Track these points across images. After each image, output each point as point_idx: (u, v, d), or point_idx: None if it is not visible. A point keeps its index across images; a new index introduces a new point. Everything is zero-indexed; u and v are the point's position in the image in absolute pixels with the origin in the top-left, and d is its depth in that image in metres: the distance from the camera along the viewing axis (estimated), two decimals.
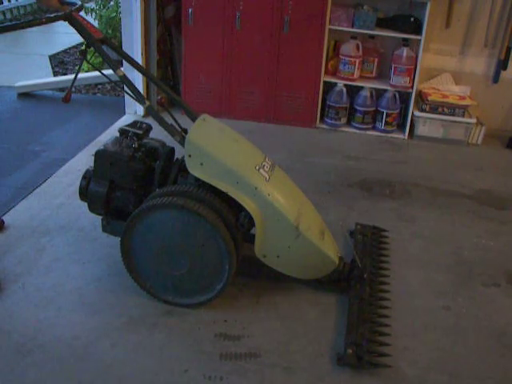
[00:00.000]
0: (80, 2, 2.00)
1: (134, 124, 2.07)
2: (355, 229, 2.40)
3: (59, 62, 5.26)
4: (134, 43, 3.54)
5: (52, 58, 5.31)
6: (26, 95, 4.19)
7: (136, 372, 1.65)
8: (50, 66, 5.08)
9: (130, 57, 2.02)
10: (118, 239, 1.88)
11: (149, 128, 2.08)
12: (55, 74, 4.92)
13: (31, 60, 5.29)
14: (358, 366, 1.69)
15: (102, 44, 2.01)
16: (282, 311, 1.96)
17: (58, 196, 2.62)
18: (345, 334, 1.80)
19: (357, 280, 2.01)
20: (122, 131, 2.03)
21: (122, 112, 3.74)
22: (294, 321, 1.91)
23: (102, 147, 1.97)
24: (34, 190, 2.68)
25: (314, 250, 1.92)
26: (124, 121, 3.62)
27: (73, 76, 2.03)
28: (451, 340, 1.87)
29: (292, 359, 1.73)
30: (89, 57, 1.99)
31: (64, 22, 1.98)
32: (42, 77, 4.54)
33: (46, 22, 1.95)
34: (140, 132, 2.02)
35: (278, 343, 1.80)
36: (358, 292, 1.97)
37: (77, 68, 1.85)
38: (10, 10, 6.95)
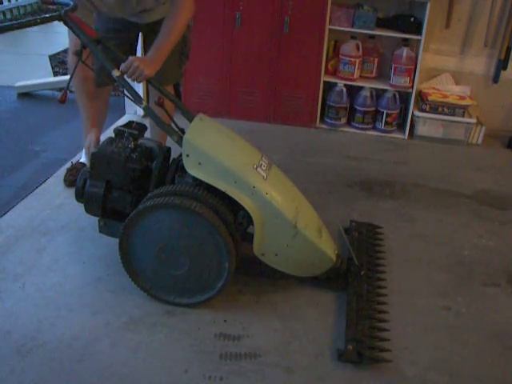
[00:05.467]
0: (73, 3, 2.01)
1: (129, 124, 2.07)
2: (350, 226, 2.41)
3: (59, 62, 5.25)
4: None
5: (52, 57, 5.31)
6: (26, 95, 4.19)
7: (136, 372, 1.65)
8: (49, 66, 5.07)
9: (126, 57, 2.02)
10: (117, 239, 1.88)
11: (144, 128, 2.09)
12: (55, 74, 4.91)
13: (31, 60, 5.29)
14: (359, 361, 1.70)
15: (97, 44, 2.01)
16: (281, 311, 1.96)
17: (58, 196, 2.62)
18: (345, 331, 1.80)
19: (354, 277, 2.02)
20: (118, 132, 2.03)
21: (122, 112, 3.74)
22: (294, 321, 1.91)
23: (98, 148, 1.97)
24: (34, 190, 2.68)
25: (311, 247, 1.92)
26: (124, 121, 3.62)
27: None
28: (451, 340, 1.87)
29: (292, 359, 1.74)
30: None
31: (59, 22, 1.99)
32: (42, 77, 4.54)
33: (41, 23, 1.96)
34: (136, 132, 2.02)
35: (278, 343, 1.80)
36: (356, 289, 1.98)
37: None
38: (10, 9, 6.96)
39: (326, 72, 3.72)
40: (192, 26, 2.56)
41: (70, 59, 2.14)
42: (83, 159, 2.78)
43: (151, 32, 2.22)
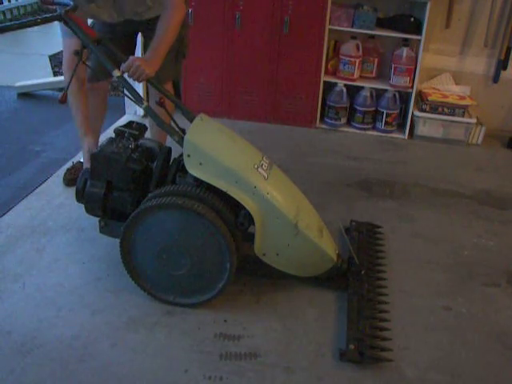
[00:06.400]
0: (73, 3, 2.01)
1: (129, 124, 2.07)
2: (350, 226, 2.41)
3: (59, 62, 5.25)
4: None
5: (52, 57, 5.31)
6: (26, 95, 4.19)
7: (136, 372, 1.65)
8: (49, 66, 5.08)
9: (126, 57, 2.02)
10: (118, 240, 1.88)
11: (144, 128, 2.09)
12: (55, 74, 4.91)
13: (31, 60, 5.29)
14: (361, 361, 1.70)
15: (97, 44, 2.01)
16: (281, 311, 1.95)
17: (58, 196, 2.62)
18: (346, 330, 1.80)
19: (355, 276, 2.02)
20: (119, 132, 2.03)
21: (122, 112, 3.74)
22: (294, 321, 1.91)
23: (98, 148, 1.97)
24: (34, 190, 2.68)
25: (312, 247, 1.92)
26: (124, 121, 3.62)
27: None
28: (451, 340, 1.87)
29: (292, 359, 1.73)
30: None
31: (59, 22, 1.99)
32: (42, 77, 4.54)
33: (41, 23, 1.97)
34: (136, 132, 2.02)
35: (278, 343, 1.80)
36: (357, 288, 1.99)
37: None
38: (10, 10, 6.96)
39: (326, 72, 3.72)
40: (190, 25, 2.56)
41: (68, 62, 2.14)
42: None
43: (149, 30, 2.23)
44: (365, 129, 3.76)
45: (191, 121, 2.01)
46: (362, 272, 2.04)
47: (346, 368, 1.70)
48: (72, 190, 2.64)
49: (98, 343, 1.74)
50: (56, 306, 1.90)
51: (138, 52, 2.99)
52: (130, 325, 1.83)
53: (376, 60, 3.72)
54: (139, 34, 2.58)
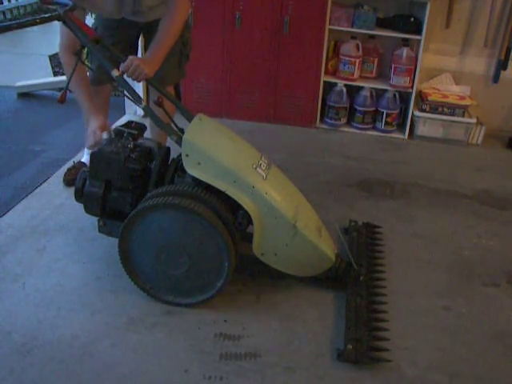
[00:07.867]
0: (72, 3, 2.01)
1: (128, 124, 2.07)
2: (349, 226, 2.41)
3: (59, 62, 5.24)
4: None
5: (52, 57, 5.31)
6: (26, 95, 4.19)
7: (136, 372, 1.65)
8: (49, 66, 5.08)
9: (126, 57, 2.03)
10: (117, 239, 1.88)
11: (143, 128, 2.09)
12: (55, 74, 4.91)
13: (31, 60, 5.29)
14: (358, 361, 1.70)
15: (96, 44, 2.01)
16: (281, 311, 1.95)
17: (58, 196, 2.62)
18: (344, 330, 1.80)
19: (354, 277, 2.03)
20: (117, 132, 2.02)
21: (122, 112, 3.74)
22: (294, 320, 1.91)
23: (97, 148, 1.97)
24: (34, 190, 2.68)
25: (311, 247, 1.92)
26: (124, 121, 3.61)
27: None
28: (451, 340, 1.87)
29: (292, 359, 1.73)
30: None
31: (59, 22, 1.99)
32: (42, 77, 4.54)
33: (40, 23, 1.97)
34: (135, 132, 2.02)
35: (278, 343, 1.80)
36: (356, 289, 1.98)
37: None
38: (10, 10, 6.96)
39: (326, 72, 3.72)
40: (192, 26, 2.56)
41: (65, 58, 2.12)
42: (84, 159, 2.78)
43: (151, 31, 2.23)
44: (365, 129, 3.76)
45: (190, 121, 2.01)
46: (361, 278, 2.03)
47: (346, 368, 1.70)
48: (72, 190, 2.64)
49: (97, 343, 1.74)
50: (56, 305, 1.90)
51: (139, 54, 2.99)
52: (129, 325, 1.83)
53: (376, 60, 3.72)
54: (140, 38, 2.58)
